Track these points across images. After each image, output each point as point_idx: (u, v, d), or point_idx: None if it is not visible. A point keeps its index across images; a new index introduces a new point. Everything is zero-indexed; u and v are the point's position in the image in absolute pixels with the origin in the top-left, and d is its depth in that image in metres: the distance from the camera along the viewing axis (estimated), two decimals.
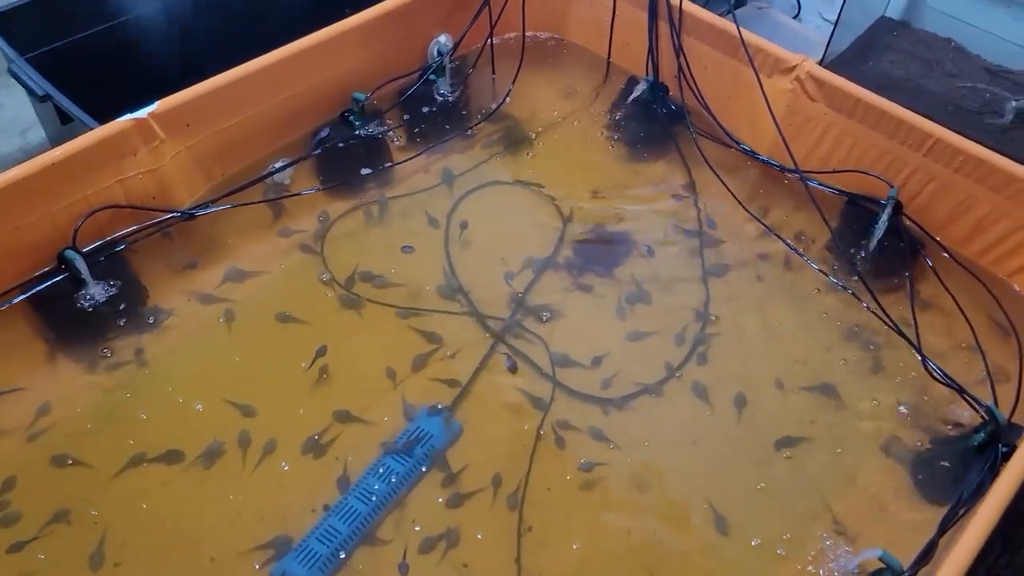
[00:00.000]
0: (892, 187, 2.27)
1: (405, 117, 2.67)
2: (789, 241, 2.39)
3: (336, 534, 1.79)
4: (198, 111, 2.22)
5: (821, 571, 1.81)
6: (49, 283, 2.09)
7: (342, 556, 1.78)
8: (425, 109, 2.70)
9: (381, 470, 1.91)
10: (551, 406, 2.07)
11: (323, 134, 2.50)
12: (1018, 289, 2.26)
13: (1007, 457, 1.77)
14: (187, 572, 1.75)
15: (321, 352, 2.10)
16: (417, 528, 1.85)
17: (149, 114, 2.12)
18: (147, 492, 1.85)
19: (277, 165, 2.40)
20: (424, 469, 1.93)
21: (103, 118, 2.13)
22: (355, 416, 2.02)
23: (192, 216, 2.25)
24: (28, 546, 1.74)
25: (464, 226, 2.44)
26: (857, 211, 2.39)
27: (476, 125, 2.71)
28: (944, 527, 1.74)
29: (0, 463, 1.84)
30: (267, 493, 1.88)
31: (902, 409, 2.07)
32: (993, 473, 1.77)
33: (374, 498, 1.86)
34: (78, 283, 2.10)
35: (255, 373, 2.08)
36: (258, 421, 1.99)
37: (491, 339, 2.19)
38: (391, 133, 2.62)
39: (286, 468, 1.92)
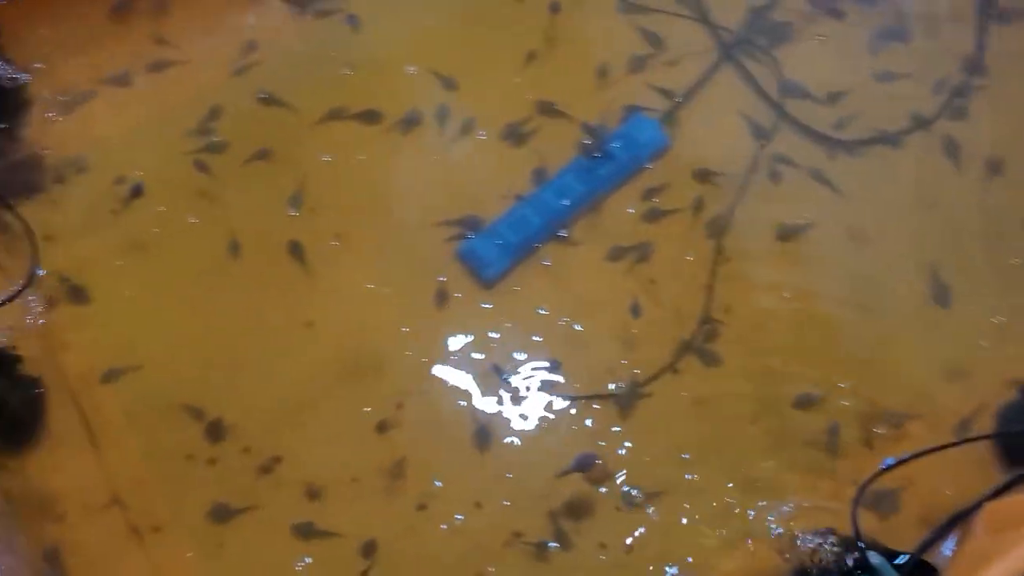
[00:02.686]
0: None
1: None
2: None
3: (528, 224, 1.73)
4: None
5: None
6: None
7: (530, 247, 1.73)
8: None
9: (580, 169, 1.79)
10: (773, 136, 1.86)
11: None
12: None
13: None
14: (377, 231, 1.75)
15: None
16: (607, 233, 1.77)
17: None
18: (345, 146, 1.81)
19: None
20: (624, 176, 1.81)
21: None
22: (560, 110, 1.88)
23: None
24: (237, 172, 1.76)
25: None
26: None
27: None
28: None
29: (206, 92, 1.83)
30: (460, 172, 1.82)
31: None
32: None
33: (570, 197, 1.76)
34: None
35: (461, 46, 1.95)
36: (459, 96, 1.88)
37: (718, 52, 1.96)
38: None
39: (482, 150, 1.83)
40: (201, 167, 1.74)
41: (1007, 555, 1.24)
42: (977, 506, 1.48)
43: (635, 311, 1.69)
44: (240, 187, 1.75)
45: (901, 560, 1.45)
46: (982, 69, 1.92)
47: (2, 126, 1.72)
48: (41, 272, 1.57)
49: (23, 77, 1.77)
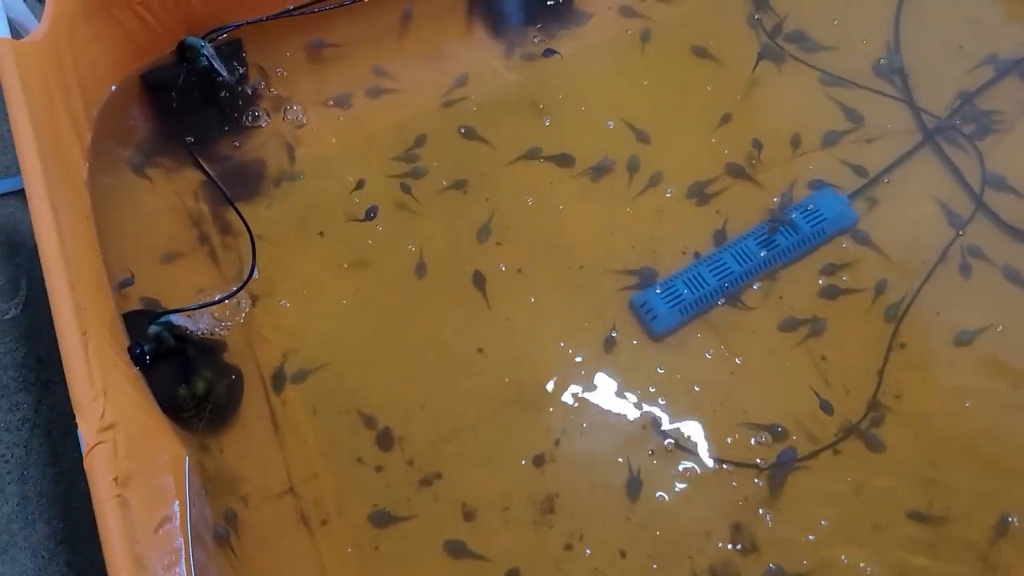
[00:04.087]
0: None
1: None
2: None
3: (704, 284, 1.75)
4: None
5: None
6: None
7: (703, 307, 1.75)
8: None
9: (762, 236, 1.81)
10: (967, 227, 1.82)
11: None
12: None
13: None
14: (556, 270, 1.81)
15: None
16: (782, 303, 1.77)
17: None
18: (535, 186, 1.89)
19: None
20: (806, 249, 1.81)
21: None
22: (747, 174, 1.90)
23: None
24: (433, 199, 1.87)
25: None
26: None
27: None
28: None
29: (416, 120, 1.95)
30: (643, 224, 1.86)
31: None
32: None
33: (749, 261, 1.78)
34: None
35: (658, 101, 2.00)
36: (650, 150, 1.93)
37: (919, 135, 1.93)
38: None
39: (666, 205, 1.87)
40: (405, 190, 1.85)
41: None
42: None
43: (802, 386, 1.68)
44: (434, 213, 1.85)
45: None
46: None
47: (233, 141, 1.89)
48: (256, 273, 1.72)
49: (255, 90, 1.93)
